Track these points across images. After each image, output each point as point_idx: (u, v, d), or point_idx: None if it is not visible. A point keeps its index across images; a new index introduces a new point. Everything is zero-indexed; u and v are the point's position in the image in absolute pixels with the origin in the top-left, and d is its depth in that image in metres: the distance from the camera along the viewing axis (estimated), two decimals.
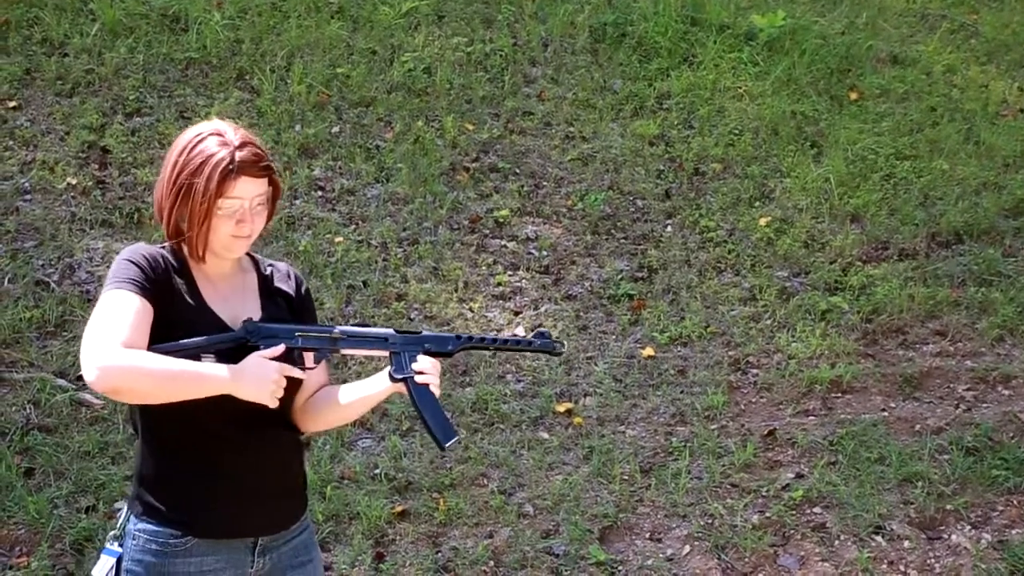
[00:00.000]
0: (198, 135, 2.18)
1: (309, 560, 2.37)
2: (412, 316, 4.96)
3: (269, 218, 2.30)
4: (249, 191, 2.19)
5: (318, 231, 5.34)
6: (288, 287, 2.41)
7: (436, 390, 2.26)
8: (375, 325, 4.64)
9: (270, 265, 2.43)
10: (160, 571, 2.17)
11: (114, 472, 3.99)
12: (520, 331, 5.00)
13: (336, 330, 2.26)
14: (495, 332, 4.96)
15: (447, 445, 2.29)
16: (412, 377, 2.24)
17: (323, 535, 3.88)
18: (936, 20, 7.50)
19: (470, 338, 2.34)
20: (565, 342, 2.41)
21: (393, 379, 2.25)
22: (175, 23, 6.35)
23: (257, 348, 2.16)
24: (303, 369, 2.22)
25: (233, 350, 2.14)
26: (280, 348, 2.17)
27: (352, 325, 2.33)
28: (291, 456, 2.35)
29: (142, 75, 5.96)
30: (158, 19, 6.30)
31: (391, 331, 2.29)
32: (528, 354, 4.85)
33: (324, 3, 6.67)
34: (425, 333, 2.31)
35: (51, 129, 5.62)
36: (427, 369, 2.27)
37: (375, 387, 2.32)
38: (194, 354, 2.09)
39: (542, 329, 2.43)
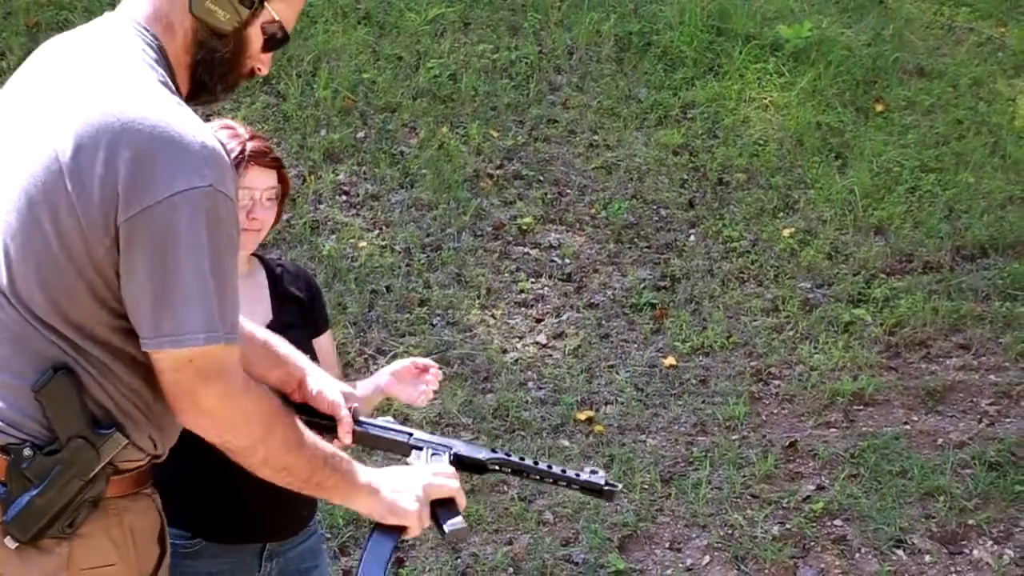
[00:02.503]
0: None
1: (315, 566, 2.38)
2: (434, 322, 4.97)
3: (277, 218, 2.34)
4: (260, 182, 2.23)
5: (342, 236, 5.36)
6: (299, 291, 2.43)
7: (460, 499, 1.92)
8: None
9: (279, 265, 2.45)
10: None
11: None
12: (542, 338, 5.01)
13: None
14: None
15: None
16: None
17: (343, 539, 3.90)
18: (963, 33, 7.47)
19: (507, 456, 2.03)
20: (619, 486, 2.00)
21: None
22: None
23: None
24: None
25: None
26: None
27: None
28: None
29: None
30: None
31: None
32: (550, 365, 4.86)
33: (351, 9, 6.70)
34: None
35: None
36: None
37: (370, 389, 2.42)
38: None
39: (595, 468, 2.14)
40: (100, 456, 1.66)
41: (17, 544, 1.63)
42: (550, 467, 2.03)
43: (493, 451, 2.03)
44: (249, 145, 2.23)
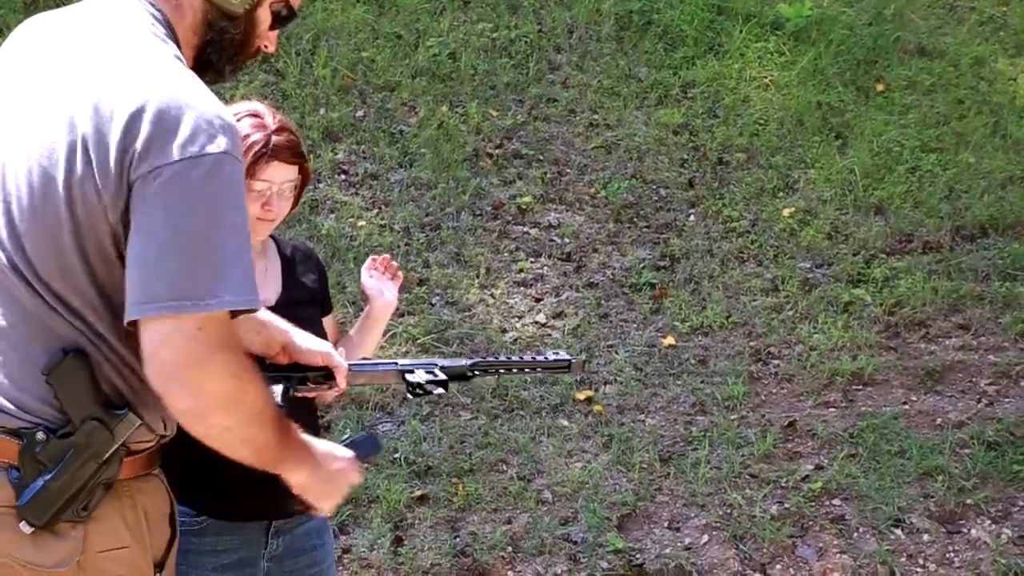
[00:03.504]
0: (235, 115, 2.20)
1: (321, 544, 2.38)
2: (433, 301, 4.97)
3: (294, 205, 2.33)
4: (279, 176, 2.21)
5: (341, 215, 5.35)
6: (310, 271, 2.43)
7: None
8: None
9: (291, 247, 2.45)
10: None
11: None
12: (541, 317, 5.00)
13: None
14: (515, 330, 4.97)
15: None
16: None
17: (343, 518, 3.90)
18: (964, 12, 7.43)
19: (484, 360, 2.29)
20: (583, 357, 2.36)
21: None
22: None
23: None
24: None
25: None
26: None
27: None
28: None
29: None
30: None
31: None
32: (549, 344, 4.85)
33: None
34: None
35: None
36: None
37: (373, 317, 2.50)
38: None
39: (557, 350, 2.41)
40: (115, 437, 1.64)
41: (32, 529, 1.61)
42: (521, 358, 2.31)
43: (470, 359, 2.24)
44: (274, 139, 2.19)
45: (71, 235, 1.58)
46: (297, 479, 1.80)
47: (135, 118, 1.55)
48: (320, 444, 1.86)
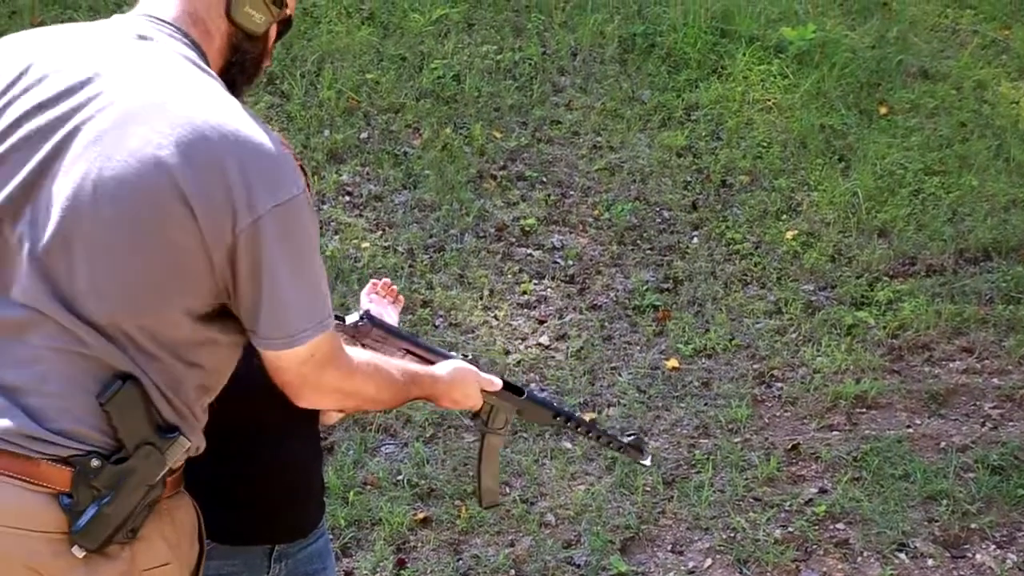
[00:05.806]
0: None
1: (323, 568, 2.37)
2: (437, 323, 4.97)
3: None
4: None
5: (345, 236, 5.36)
6: None
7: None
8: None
9: None
10: None
11: None
12: (544, 340, 5.00)
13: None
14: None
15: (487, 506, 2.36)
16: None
17: (345, 540, 3.89)
18: (967, 35, 7.46)
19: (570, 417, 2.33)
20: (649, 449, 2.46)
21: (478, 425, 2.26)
22: None
23: None
24: None
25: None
26: None
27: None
28: (312, 463, 2.36)
29: None
30: None
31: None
32: (552, 366, 4.86)
33: (355, 9, 6.71)
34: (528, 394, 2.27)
35: None
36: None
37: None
38: None
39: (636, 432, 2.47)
40: (166, 460, 1.68)
41: (85, 553, 1.63)
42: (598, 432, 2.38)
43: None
44: None
45: (152, 273, 1.60)
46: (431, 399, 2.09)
47: (225, 163, 1.58)
48: (450, 371, 2.09)
